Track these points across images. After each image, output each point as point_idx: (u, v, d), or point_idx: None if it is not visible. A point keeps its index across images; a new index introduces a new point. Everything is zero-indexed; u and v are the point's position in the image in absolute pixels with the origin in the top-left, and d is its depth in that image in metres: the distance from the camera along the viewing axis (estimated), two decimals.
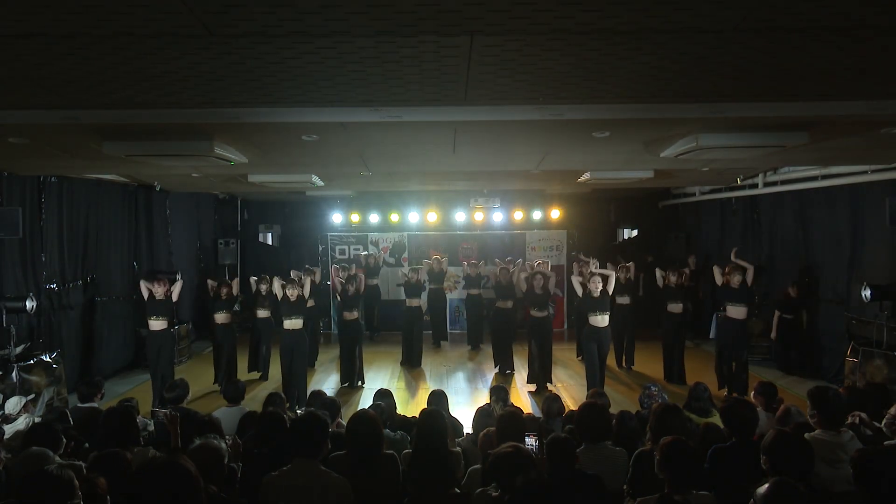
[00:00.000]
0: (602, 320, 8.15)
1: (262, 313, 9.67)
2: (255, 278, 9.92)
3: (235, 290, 9.38)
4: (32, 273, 8.01)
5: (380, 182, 10.02)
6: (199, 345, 12.02)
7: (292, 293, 8.16)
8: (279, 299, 8.35)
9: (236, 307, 9.49)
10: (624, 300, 9.94)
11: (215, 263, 13.39)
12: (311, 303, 10.47)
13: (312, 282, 10.52)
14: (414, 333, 10.48)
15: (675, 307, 9.23)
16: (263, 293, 9.64)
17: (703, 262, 12.01)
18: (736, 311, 8.20)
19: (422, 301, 11.02)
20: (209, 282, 9.52)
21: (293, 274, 10.48)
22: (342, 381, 9.33)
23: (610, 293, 8.32)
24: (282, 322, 8.26)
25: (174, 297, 8.30)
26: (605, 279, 8.32)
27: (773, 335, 9.48)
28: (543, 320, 8.99)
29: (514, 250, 13.49)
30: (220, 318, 9.13)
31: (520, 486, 2.74)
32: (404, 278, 11.14)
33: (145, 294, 8.12)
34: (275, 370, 9.13)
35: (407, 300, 10.81)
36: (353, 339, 9.24)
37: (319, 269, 11.75)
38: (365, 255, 13.01)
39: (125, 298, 10.11)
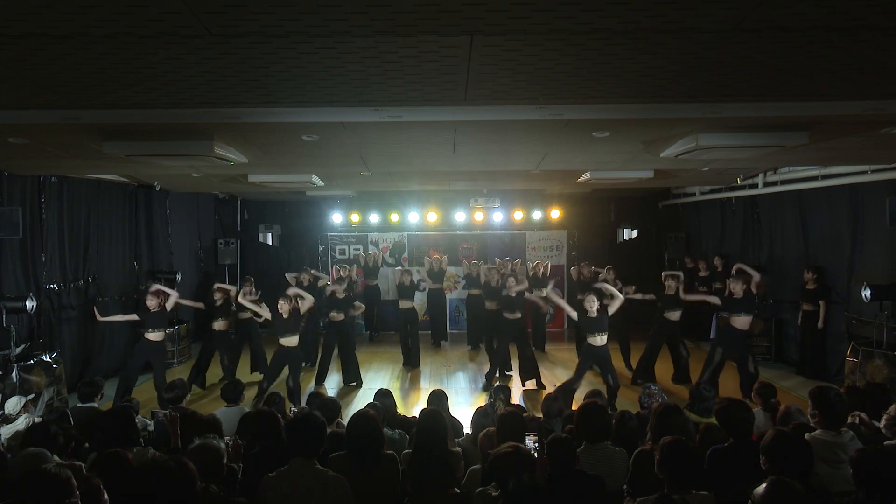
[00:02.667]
0: (599, 340, 7.70)
1: (246, 314, 9.56)
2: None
3: (224, 296, 9.25)
4: (32, 273, 8.01)
5: (380, 182, 10.03)
6: (199, 345, 12.00)
7: (283, 308, 7.89)
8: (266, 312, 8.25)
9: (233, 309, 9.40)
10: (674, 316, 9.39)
11: (215, 263, 13.39)
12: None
13: (311, 282, 10.53)
14: (409, 334, 10.47)
15: (674, 315, 9.05)
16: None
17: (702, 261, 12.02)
18: (740, 322, 7.89)
19: (416, 302, 10.94)
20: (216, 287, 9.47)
21: (288, 277, 10.45)
22: (343, 380, 9.37)
23: (610, 314, 7.83)
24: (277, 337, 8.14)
25: (168, 307, 8.19)
26: (609, 298, 7.92)
27: (820, 324, 8.93)
28: (517, 322, 8.97)
29: (514, 250, 13.49)
30: (217, 325, 9.07)
31: (512, 488, 2.75)
32: (397, 280, 11.09)
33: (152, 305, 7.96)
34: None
35: (400, 301, 10.77)
36: (340, 340, 9.26)
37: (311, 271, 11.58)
38: (364, 255, 13.00)
39: (126, 299, 10.11)
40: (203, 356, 9.23)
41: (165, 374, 8.19)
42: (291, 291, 8.23)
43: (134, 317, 8.35)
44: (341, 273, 10.31)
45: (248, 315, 9.49)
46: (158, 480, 2.38)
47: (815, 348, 9.12)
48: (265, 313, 8.35)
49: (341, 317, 9.35)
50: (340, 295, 9.31)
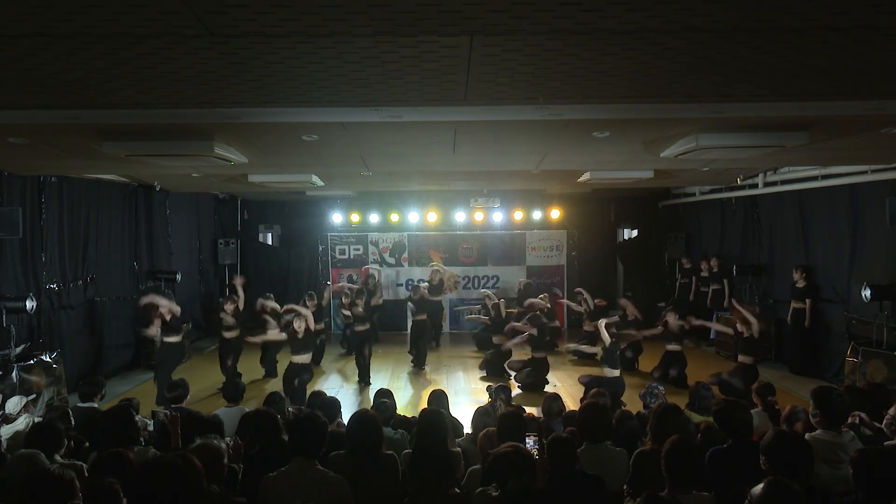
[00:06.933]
0: (611, 372, 7.83)
1: (271, 333, 9.63)
2: (261, 300, 9.85)
3: (241, 306, 9.36)
4: (32, 273, 8.01)
5: (380, 182, 10.03)
6: (200, 344, 12.03)
7: (299, 327, 8.07)
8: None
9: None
10: None
11: (215, 263, 13.39)
12: (320, 325, 10.48)
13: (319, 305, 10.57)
14: (420, 343, 10.49)
15: (673, 347, 9.16)
16: (268, 311, 9.72)
17: (701, 260, 12.05)
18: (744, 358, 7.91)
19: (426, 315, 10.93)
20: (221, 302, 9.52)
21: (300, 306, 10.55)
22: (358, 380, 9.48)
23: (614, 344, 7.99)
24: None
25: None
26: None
27: (807, 323, 9.10)
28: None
29: (514, 250, 13.51)
30: (228, 334, 9.13)
31: (511, 488, 2.74)
32: (409, 296, 11.13)
33: (165, 315, 8.13)
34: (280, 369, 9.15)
35: (414, 316, 10.81)
36: (362, 342, 9.51)
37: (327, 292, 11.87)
38: (370, 274, 12.67)
39: (126, 298, 10.11)
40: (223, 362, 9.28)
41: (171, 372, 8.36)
42: (304, 311, 8.38)
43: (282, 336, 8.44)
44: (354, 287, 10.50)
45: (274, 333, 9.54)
46: (164, 477, 2.38)
47: (805, 346, 9.17)
48: (278, 336, 8.58)
49: (365, 326, 9.74)
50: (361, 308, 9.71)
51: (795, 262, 9.64)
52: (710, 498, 3.04)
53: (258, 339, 9.02)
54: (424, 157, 7.01)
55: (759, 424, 4.50)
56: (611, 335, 7.86)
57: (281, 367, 9.02)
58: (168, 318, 8.22)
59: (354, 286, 11.31)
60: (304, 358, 8.18)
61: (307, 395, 7.78)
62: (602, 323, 8.08)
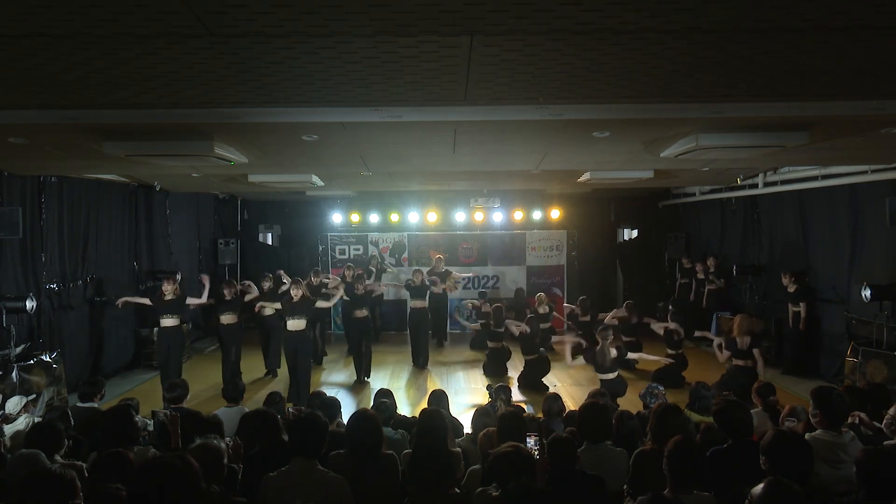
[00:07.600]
0: (608, 377, 7.83)
1: (268, 311, 9.67)
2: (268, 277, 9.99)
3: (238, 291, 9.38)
4: (32, 273, 8.01)
5: (380, 182, 10.03)
6: (201, 343, 12.03)
7: (296, 293, 8.12)
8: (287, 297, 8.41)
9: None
10: None
11: (215, 263, 13.39)
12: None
13: (321, 283, 10.57)
14: (420, 335, 10.43)
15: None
16: (265, 290, 9.70)
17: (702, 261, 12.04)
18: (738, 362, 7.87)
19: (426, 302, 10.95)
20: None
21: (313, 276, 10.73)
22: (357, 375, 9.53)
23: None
24: (286, 323, 8.30)
25: (189, 303, 8.60)
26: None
27: (801, 326, 9.12)
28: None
29: (514, 250, 13.51)
30: (226, 319, 9.08)
31: (511, 488, 2.74)
32: (407, 280, 11.15)
33: (167, 294, 8.24)
34: (283, 368, 9.16)
35: (411, 302, 10.83)
36: (360, 335, 9.53)
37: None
38: (371, 257, 13.04)
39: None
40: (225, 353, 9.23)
41: (181, 361, 8.59)
42: (332, 283, 8.75)
43: (147, 301, 8.57)
44: (358, 271, 10.51)
45: (271, 312, 9.61)
46: (162, 478, 2.38)
47: (804, 346, 9.18)
48: (274, 305, 8.84)
49: (364, 313, 9.63)
50: (361, 291, 9.60)
51: (795, 261, 9.63)
52: (711, 498, 3.04)
53: (259, 304, 9.18)
54: (424, 157, 7.02)
55: (759, 424, 4.50)
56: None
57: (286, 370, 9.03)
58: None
59: (355, 269, 11.22)
60: (299, 323, 8.10)
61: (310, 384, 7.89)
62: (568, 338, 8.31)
